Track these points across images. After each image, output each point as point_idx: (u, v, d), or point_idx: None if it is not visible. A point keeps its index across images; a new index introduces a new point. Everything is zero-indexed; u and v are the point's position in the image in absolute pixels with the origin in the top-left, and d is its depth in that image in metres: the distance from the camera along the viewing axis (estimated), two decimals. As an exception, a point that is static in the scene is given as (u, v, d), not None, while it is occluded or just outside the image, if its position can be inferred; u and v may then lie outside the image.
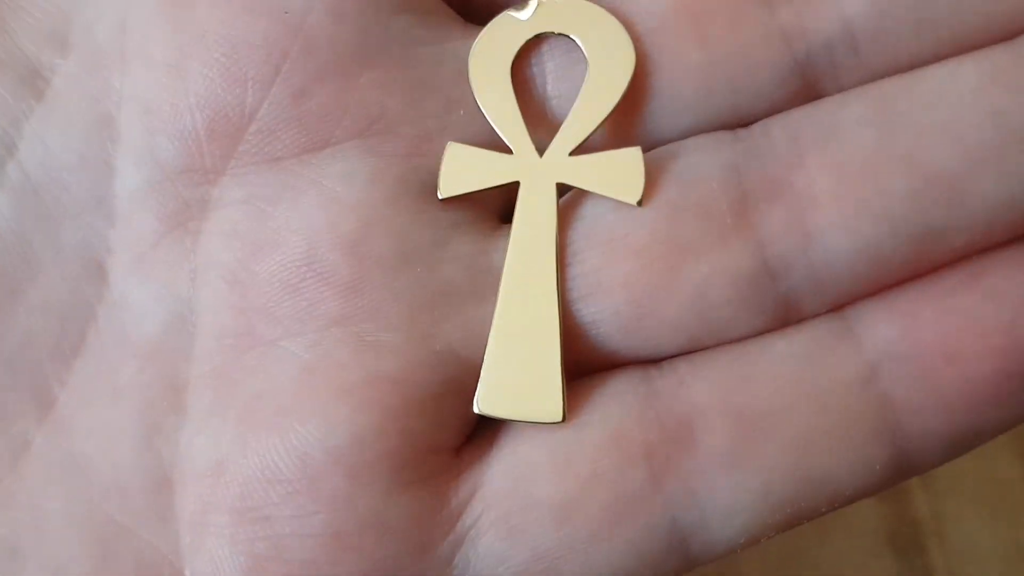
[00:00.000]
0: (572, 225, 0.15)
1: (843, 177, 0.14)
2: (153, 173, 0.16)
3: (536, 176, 0.16)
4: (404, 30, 0.16)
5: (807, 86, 0.15)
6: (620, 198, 0.15)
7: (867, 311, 0.15)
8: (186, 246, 0.16)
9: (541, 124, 0.16)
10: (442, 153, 0.16)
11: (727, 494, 0.14)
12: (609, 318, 0.15)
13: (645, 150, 0.15)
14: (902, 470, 0.15)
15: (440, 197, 0.16)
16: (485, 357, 0.15)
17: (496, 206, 0.16)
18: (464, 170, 0.16)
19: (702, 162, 0.15)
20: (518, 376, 0.15)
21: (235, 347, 0.15)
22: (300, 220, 0.16)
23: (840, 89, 0.15)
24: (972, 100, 0.14)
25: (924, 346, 0.14)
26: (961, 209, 0.14)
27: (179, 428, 0.15)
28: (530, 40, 0.16)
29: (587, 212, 0.15)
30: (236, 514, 0.15)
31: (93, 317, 0.16)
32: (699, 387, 0.15)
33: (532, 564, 0.15)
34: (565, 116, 0.16)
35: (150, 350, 0.16)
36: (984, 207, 0.14)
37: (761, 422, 0.14)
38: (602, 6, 0.16)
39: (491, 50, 0.16)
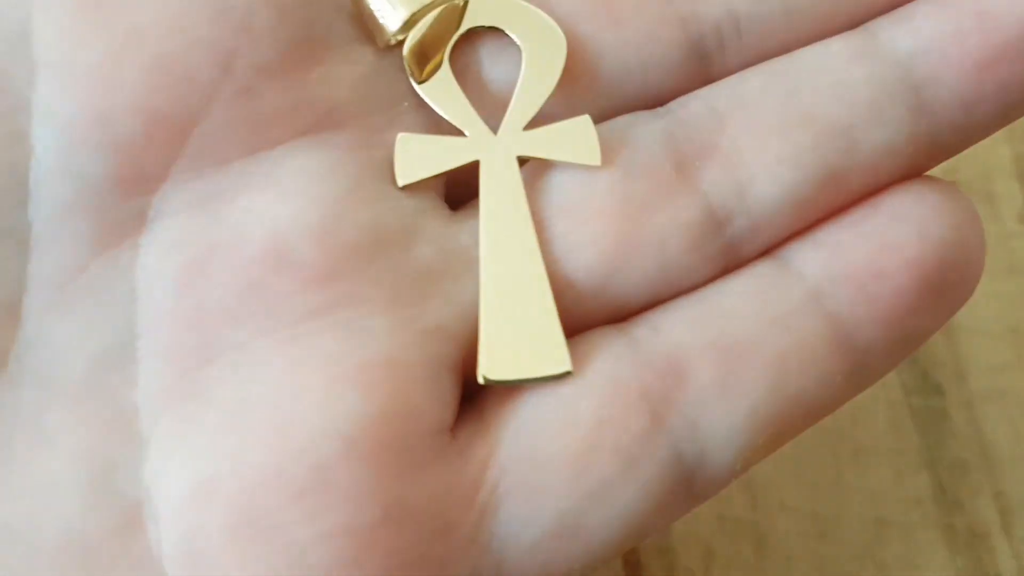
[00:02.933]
0: (533, 196, 0.16)
1: (759, 135, 0.16)
2: (76, 191, 0.15)
3: (496, 153, 0.16)
4: (345, 30, 0.16)
5: (702, 66, 0.17)
6: (582, 161, 0.16)
7: (798, 248, 0.16)
8: (121, 265, 0.15)
9: (484, 107, 0.17)
10: (393, 145, 0.16)
11: (722, 420, 0.15)
12: (583, 277, 0.16)
13: None
14: (858, 380, 0.16)
15: (400, 185, 0.16)
16: (481, 327, 0.15)
17: (442, 193, 0.17)
18: (419, 157, 0.16)
19: (639, 132, 0.16)
20: (518, 339, 0.15)
21: (194, 359, 0.15)
22: (261, 214, 0.15)
23: (728, 70, 0.17)
24: (847, 67, 0.16)
25: (854, 268, 0.16)
26: (856, 154, 0.16)
27: (141, 460, 0.14)
28: (461, 36, 0.17)
29: (546, 181, 0.16)
30: (236, 531, 0.14)
31: (3, 367, 0.15)
32: (675, 330, 0.16)
33: (555, 522, 0.15)
34: (505, 99, 0.17)
35: (84, 387, 0.15)
36: (872, 150, 0.16)
37: (739, 351, 0.15)
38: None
39: (426, 45, 0.17)
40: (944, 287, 0.16)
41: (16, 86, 0.15)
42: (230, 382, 0.15)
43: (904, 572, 0.23)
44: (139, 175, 0.15)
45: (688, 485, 0.15)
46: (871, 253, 0.16)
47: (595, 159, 0.16)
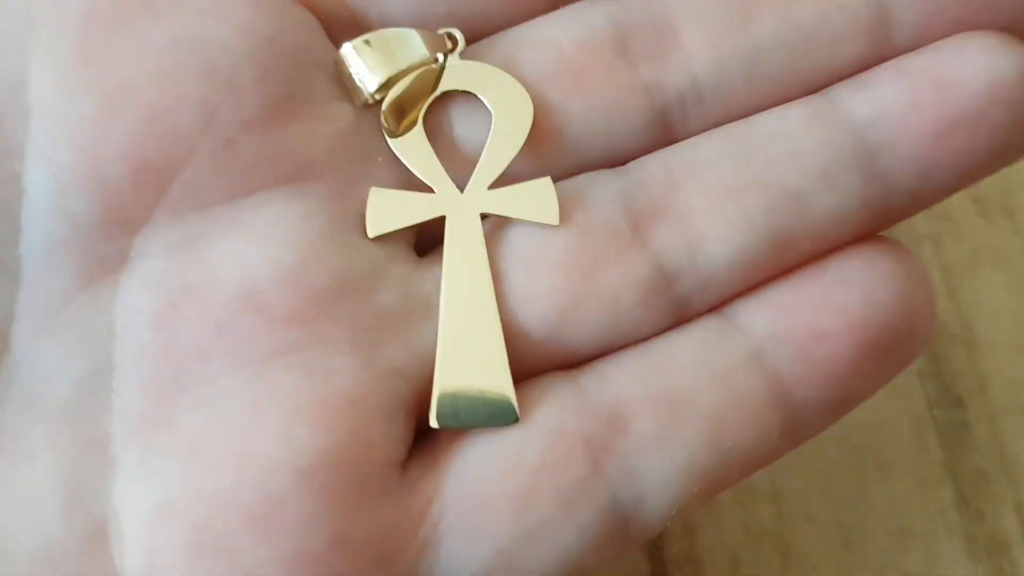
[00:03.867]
0: (495, 249, 0.17)
1: (712, 198, 0.17)
2: (66, 230, 0.15)
3: (462, 209, 0.17)
4: (325, 88, 0.17)
5: (665, 131, 0.18)
6: (541, 220, 0.17)
7: (744, 306, 0.17)
8: (103, 300, 0.16)
9: (453, 164, 0.17)
10: (366, 197, 0.17)
11: (659, 469, 0.16)
12: (537, 327, 0.16)
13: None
14: (794, 436, 0.17)
15: (371, 236, 0.17)
16: (436, 373, 0.16)
17: (412, 241, 0.17)
18: (390, 210, 0.17)
19: (598, 191, 0.17)
20: (470, 386, 0.16)
21: (164, 391, 0.15)
22: (234, 258, 0.16)
23: (689, 134, 0.18)
24: (803, 134, 0.17)
25: (796, 329, 0.16)
26: (806, 219, 0.16)
27: (110, 482, 0.15)
28: (436, 98, 0.18)
29: (507, 236, 0.17)
30: (192, 551, 0.15)
31: None
32: (621, 380, 0.16)
33: (493, 560, 0.15)
34: (473, 158, 0.17)
35: (63, 411, 0.15)
36: (822, 215, 0.16)
37: (679, 404, 0.16)
38: (495, 66, 0.18)
39: (402, 105, 0.18)
40: (885, 352, 0.16)
41: (12, 131, 0.15)
42: (196, 414, 0.15)
43: (927, 581, 0.24)
44: (123, 217, 0.16)
45: (624, 528, 0.16)
46: (814, 315, 0.16)
47: (553, 219, 0.17)
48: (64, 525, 0.15)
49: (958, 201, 0.28)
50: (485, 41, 0.18)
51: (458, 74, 0.18)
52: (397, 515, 0.15)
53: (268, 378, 0.15)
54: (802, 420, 0.16)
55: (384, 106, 0.18)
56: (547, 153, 0.17)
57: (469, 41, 0.18)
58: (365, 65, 0.17)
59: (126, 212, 0.16)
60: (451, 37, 0.18)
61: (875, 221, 0.17)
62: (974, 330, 0.26)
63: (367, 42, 0.17)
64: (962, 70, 0.16)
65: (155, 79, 0.16)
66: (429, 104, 0.18)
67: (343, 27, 0.18)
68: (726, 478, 0.16)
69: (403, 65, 0.17)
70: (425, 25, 0.18)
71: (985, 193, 0.28)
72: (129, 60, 0.16)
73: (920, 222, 0.27)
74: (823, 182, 0.16)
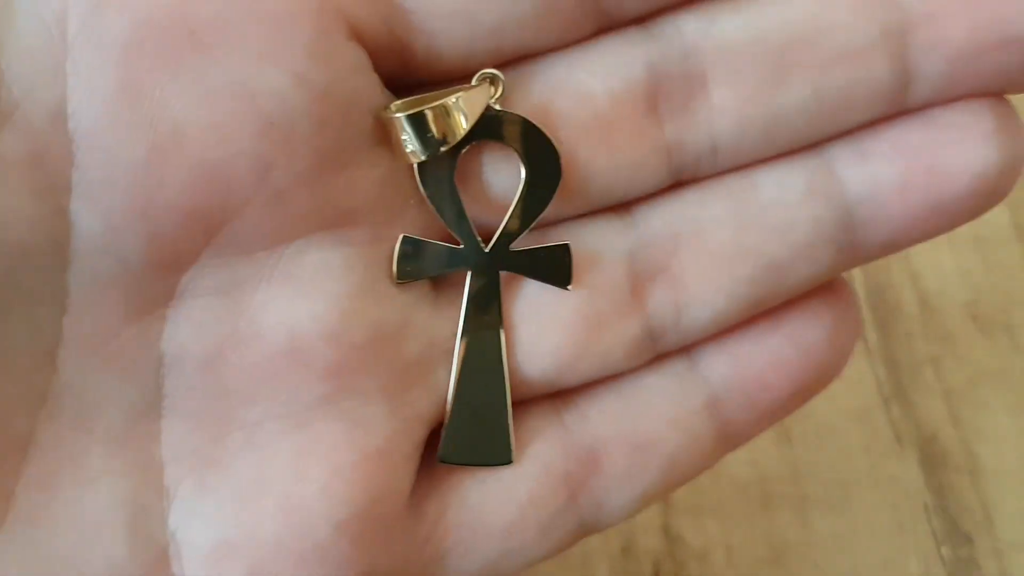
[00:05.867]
0: (509, 300, 0.18)
1: (705, 265, 0.18)
2: (113, 269, 0.15)
3: (483, 266, 0.18)
4: (369, 133, 0.17)
5: (675, 180, 0.18)
6: (556, 285, 0.18)
7: (707, 352, 0.19)
8: (151, 335, 0.16)
9: (479, 207, 0.18)
10: (396, 241, 0.17)
11: (620, 500, 0.18)
12: (538, 378, 0.18)
13: (553, 225, 0.18)
14: (724, 454, 0.19)
15: (396, 282, 0.17)
16: (447, 416, 0.18)
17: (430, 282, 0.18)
18: (416, 259, 0.18)
19: (607, 251, 0.18)
20: (475, 430, 0.18)
21: (212, 429, 0.16)
22: (279, 311, 0.16)
23: (697, 179, 0.18)
24: (799, 207, 0.18)
25: (747, 379, 0.18)
26: (782, 286, 0.18)
27: (167, 511, 0.16)
28: (472, 146, 0.18)
29: (523, 291, 0.18)
30: None
31: (43, 404, 0.16)
32: (598, 420, 0.18)
33: (480, 570, 0.18)
34: (500, 206, 0.18)
35: (117, 435, 0.16)
36: (796, 283, 0.18)
37: (644, 446, 0.18)
38: (529, 117, 0.18)
39: (437, 157, 0.18)
40: (813, 391, 0.19)
41: (55, 163, 0.15)
42: (245, 459, 0.16)
43: None
44: (172, 260, 0.16)
45: (580, 536, 0.19)
46: (764, 367, 0.18)
47: (567, 284, 0.18)
48: (130, 550, 0.16)
49: (959, 319, 0.27)
50: (525, 74, 0.18)
51: (495, 124, 0.18)
52: (409, 542, 0.17)
53: (311, 428, 0.17)
54: (735, 444, 0.19)
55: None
56: (566, 200, 0.18)
57: (514, 63, 0.18)
58: (419, 138, 0.17)
59: (175, 256, 0.16)
60: (492, 80, 0.18)
61: (834, 276, 0.19)
62: (978, 457, 0.26)
63: (426, 114, 0.17)
64: (954, 158, 0.17)
65: (209, 129, 0.15)
66: (464, 153, 0.18)
67: (391, 59, 0.17)
68: (669, 493, 0.19)
69: (458, 137, 0.17)
70: (469, 59, 0.17)
71: (984, 311, 0.28)
72: (180, 103, 0.15)
73: (920, 343, 0.27)
74: (805, 255, 0.18)
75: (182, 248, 0.16)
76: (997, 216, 0.29)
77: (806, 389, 0.19)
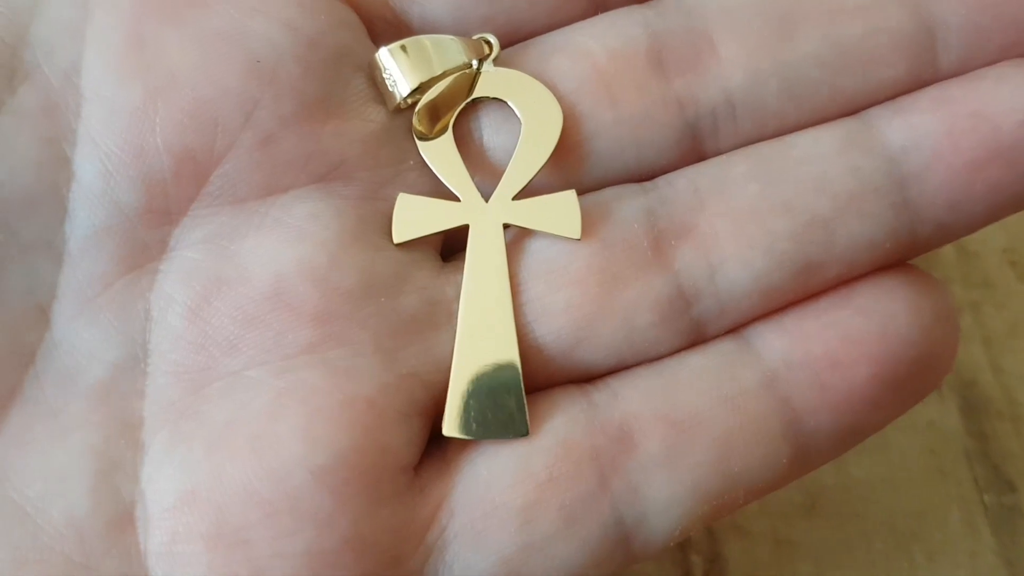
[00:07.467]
0: (516, 260, 0.17)
1: (737, 221, 0.17)
2: (111, 216, 0.16)
3: (485, 219, 0.17)
4: (362, 89, 0.17)
5: (695, 145, 0.17)
6: (563, 234, 0.17)
7: (762, 330, 0.17)
8: (141, 287, 0.16)
9: (480, 171, 0.17)
10: (395, 200, 0.17)
11: (664, 490, 0.16)
12: (552, 341, 0.17)
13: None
14: (803, 463, 0.17)
15: (396, 242, 0.17)
16: (450, 383, 0.16)
17: (438, 245, 0.18)
18: (415, 217, 0.17)
19: (623, 207, 0.17)
20: (483, 399, 0.16)
21: (194, 380, 0.16)
22: (266, 255, 0.16)
23: (720, 150, 0.17)
24: (835, 158, 0.16)
25: (812, 356, 0.16)
26: (833, 245, 0.16)
27: (139, 465, 0.15)
28: (468, 104, 0.18)
29: (529, 248, 0.17)
30: (211, 540, 0.15)
31: (31, 362, 0.16)
32: (632, 397, 0.16)
33: (498, 569, 0.16)
34: (501, 165, 0.17)
35: (99, 391, 0.16)
36: (850, 244, 0.16)
37: (688, 426, 0.16)
38: (528, 73, 0.17)
39: (433, 112, 0.18)
40: (901, 385, 0.16)
41: (65, 116, 0.16)
42: (222, 405, 0.16)
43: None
44: (165, 208, 0.16)
45: (626, 546, 0.16)
46: (831, 343, 0.16)
47: (575, 232, 0.17)
48: (93, 504, 0.15)
49: (997, 266, 0.26)
50: (520, 45, 0.18)
51: (491, 81, 0.18)
52: (408, 518, 0.16)
53: (293, 374, 0.16)
54: (812, 448, 0.16)
55: (417, 111, 0.18)
56: (574, 164, 0.17)
57: (506, 45, 0.18)
58: (400, 70, 0.17)
59: (167, 202, 0.16)
60: (487, 43, 0.18)
61: (903, 250, 0.17)
62: (1020, 405, 0.25)
63: (403, 47, 0.17)
64: (1001, 103, 0.16)
65: (200, 70, 0.16)
66: (461, 110, 0.18)
67: (385, 27, 0.18)
68: (732, 502, 0.16)
69: (437, 71, 0.17)
70: (463, 28, 0.18)
71: (1023, 257, 0.27)
72: (177, 50, 0.16)
73: (958, 289, 0.26)
74: (852, 209, 0.16)
75: (174, 194, 0.16)
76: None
77: (893, 377, 0.16)
